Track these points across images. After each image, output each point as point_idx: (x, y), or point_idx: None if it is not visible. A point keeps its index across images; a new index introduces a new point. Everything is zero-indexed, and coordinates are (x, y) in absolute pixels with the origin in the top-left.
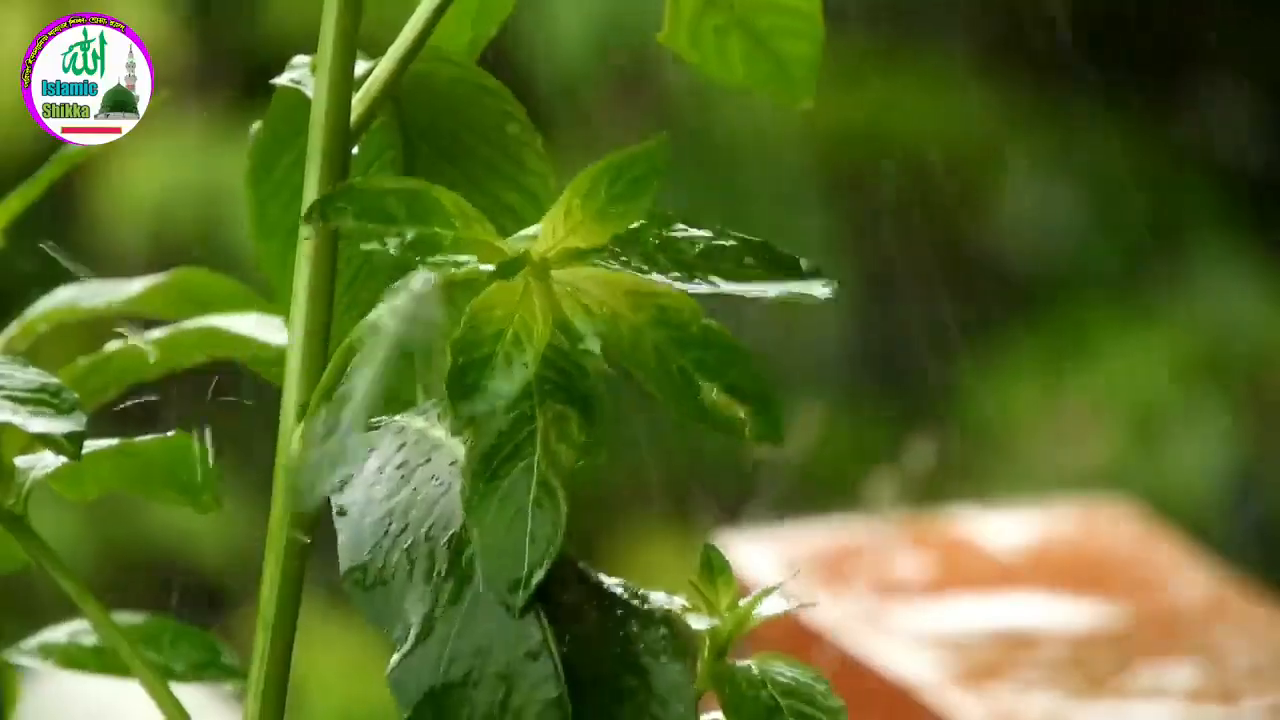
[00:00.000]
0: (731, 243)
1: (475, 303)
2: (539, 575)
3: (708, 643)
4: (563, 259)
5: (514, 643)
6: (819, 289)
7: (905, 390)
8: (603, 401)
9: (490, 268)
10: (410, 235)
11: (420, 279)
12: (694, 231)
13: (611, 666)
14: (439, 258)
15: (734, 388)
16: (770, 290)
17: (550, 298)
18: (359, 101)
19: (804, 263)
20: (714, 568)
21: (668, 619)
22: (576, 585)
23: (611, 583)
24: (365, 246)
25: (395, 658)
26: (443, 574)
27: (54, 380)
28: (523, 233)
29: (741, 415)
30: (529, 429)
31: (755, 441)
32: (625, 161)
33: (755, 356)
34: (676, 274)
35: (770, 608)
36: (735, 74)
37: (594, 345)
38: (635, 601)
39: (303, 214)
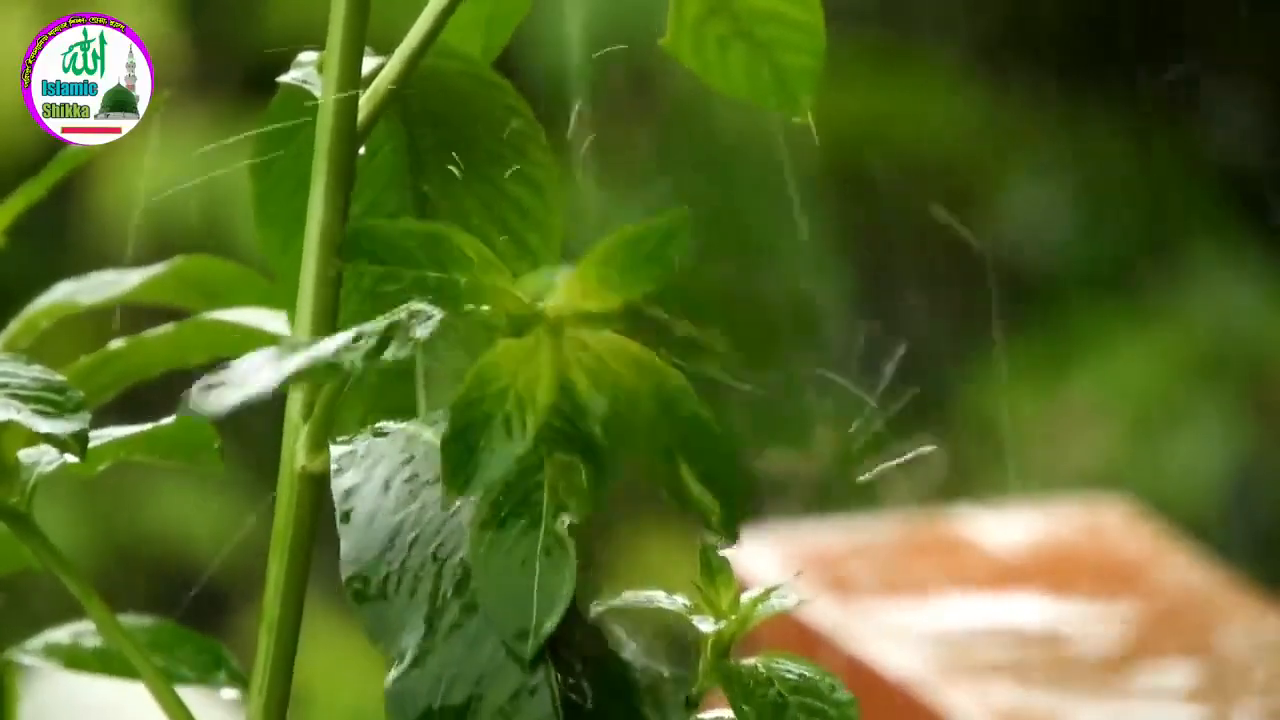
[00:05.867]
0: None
1: (481, 361)
2: (549, 626)
3: (711, 643)
4: (575, 321)
5: (516, 675)
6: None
7: (904, 390)
8: (611, 454)
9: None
10: (427, 279)
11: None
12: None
13: (610, 712)
14: (453, 303)
15: (708, 477)
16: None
17: (559, 357)
18: (366, 101)
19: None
20: (713, 568)
21: (661, 676)
22: (580, 624)
23: (609, 608)
24: (383, 289)
25: (394, 674)
26: (448, 596)
27: (59, 378)
28: (538, 274)
29: (707, 503)
30: (537, 478)
31: (713, 534)
32: (644, 234)
33: (736, 452)
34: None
35: (772, 606)
36: (737, 84)
37: (594, 423)
38: (632, 645)
39: (309, 214)
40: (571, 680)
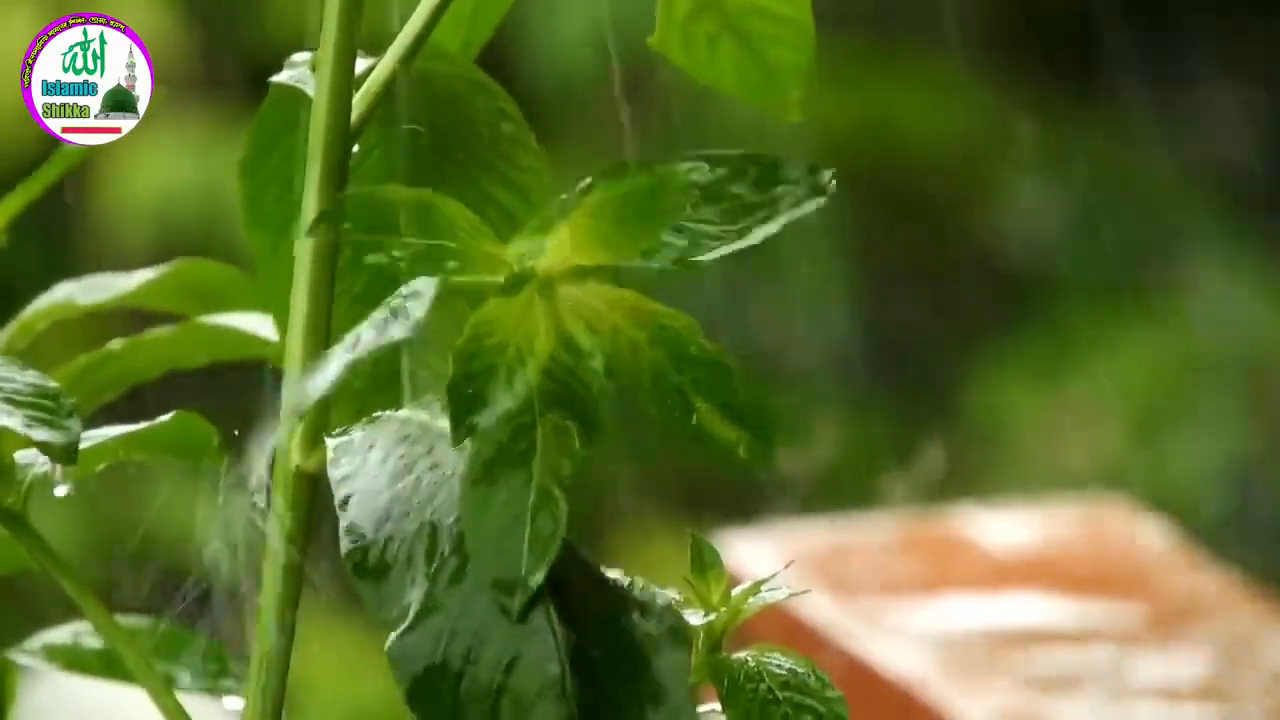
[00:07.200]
0: (714, 176)
1: (478, 314)
2: (537, 578)
3: (702, 636)
4: (568, 276)
5: (512, 625)
6: (815, 196)
7: (905, 390)
8: (604, 415)
9: (496, 279)
10: (415, 247)
11: (423, 282)
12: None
13: (611, 650)
14: (444, 270)
15: (729, 408)
16: (770, 228)
17: (554, 312)
18: (359, 102)
19: (793, 167)
20: (705, 561)
21: (668, 609)
22: (579, 571)
23: (613, 573)
24: (370, 259)
25: (395, 634)
26: (444, 555)
27: (53, 385)
28: (526, 239)
29: (735, 436)
30: (530, 439)
31: (748, 463)
32: (642, 189)
33: (753, 378)
34: (677, 237)
35: (764, 600)
36: (726, 82)
37: (598, 363)
38: (635, 591)
39: (302, 215)
40: (572, 625)
